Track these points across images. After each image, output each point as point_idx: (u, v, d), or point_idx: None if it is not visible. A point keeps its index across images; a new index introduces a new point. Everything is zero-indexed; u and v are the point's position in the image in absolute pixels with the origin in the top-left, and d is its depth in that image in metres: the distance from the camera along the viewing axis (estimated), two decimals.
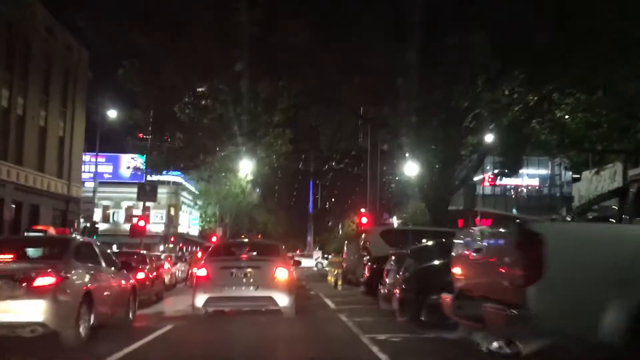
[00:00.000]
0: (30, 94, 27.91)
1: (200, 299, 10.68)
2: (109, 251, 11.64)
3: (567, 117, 21.84)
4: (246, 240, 14.17)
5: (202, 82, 17.11)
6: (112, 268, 9.87)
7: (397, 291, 7.92)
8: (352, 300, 15.77)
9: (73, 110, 33.06)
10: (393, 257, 9.98)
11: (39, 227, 22.01)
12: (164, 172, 23.70)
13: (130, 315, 10.61)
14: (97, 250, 9.43)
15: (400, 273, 8.79)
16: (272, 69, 17.54)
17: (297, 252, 64.56)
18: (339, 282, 22.19)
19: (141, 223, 34.49)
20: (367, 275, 12.38)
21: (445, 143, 19.21)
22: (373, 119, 20.41)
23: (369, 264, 12.46)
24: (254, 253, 12.22)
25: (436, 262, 8.06)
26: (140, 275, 15.03)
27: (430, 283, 7.29)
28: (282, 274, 10.83)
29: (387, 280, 9.96)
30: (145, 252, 17.46)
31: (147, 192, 34.97)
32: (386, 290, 9.86)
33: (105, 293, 8.93)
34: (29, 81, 27.81)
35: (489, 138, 20.70)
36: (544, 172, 56.22)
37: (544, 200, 56.61)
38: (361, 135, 27.50)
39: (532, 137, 21.68)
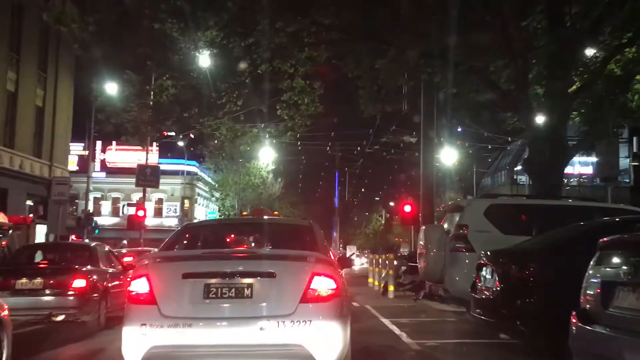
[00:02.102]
0: None
1: (133, 349, 4.57)
2: None
3: None
4: (249, 217, 7.03)
5: None
6: None
7: None
8: (437, 327, 9.56)
9: (56, 77, 27.22)
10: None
11: None
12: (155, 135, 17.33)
13: None
14: None
15: None
16: None
17: None
18: (391, 288, 15.98)
19: (140, 213, 29.10)
20: (494, 289, 5.93)
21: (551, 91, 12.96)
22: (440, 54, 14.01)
23: (495, 267, 5.99)
24: (264, 244, 6.05)
25: None
26: (80, 283, 9.05)
27: None
28: (324, 288, 4.67)
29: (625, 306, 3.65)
30: (95, 243, 11.26)
31: (147, 176, 29.52)
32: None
33: None
34: None
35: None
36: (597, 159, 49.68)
37: (600, 190, 50.21)
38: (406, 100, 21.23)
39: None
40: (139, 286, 4.65)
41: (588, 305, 4.10)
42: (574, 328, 4.14)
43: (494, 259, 6.33)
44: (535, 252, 6.10)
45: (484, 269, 6.54)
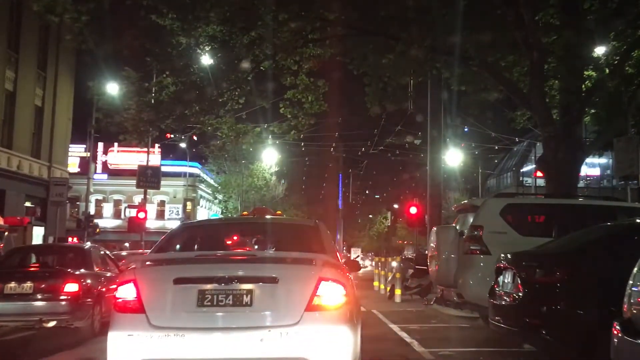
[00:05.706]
0: None
1: None
2: None
3: None
4: (251, 216, 6.48)
5: None
6: None
7: None
8: (450, 334, 9.09)
9: (56, 77, 26.78)
10: None
11: None
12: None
13: None
14: None
15: None
16: None
17: None
18: (398, 292, 15.49)
19: (141, 215, 28.66)
20: (515, 295, 5.42)
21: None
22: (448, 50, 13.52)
23: (517, 270, 5.48)
24: (266, 245, 5.58)
25: None
26: (72, 288, 8.59)
27: None
28: (332, 294, 4.21)
29: None
30: (89, 245, 10.84)
31: (148, 177, 29.15)
32: None
33: None
34: None
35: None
36: (604, 160, 49.22)
37: (607, 192, 49.71)
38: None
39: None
40: (126, 292, 4.19)
41: (633, 315, 3.61)
42: (615, 340, 3.65)
43: (516, 262, 5.81)
44: (563, 254, 5.60)
45: (504, 272, 6.03)
